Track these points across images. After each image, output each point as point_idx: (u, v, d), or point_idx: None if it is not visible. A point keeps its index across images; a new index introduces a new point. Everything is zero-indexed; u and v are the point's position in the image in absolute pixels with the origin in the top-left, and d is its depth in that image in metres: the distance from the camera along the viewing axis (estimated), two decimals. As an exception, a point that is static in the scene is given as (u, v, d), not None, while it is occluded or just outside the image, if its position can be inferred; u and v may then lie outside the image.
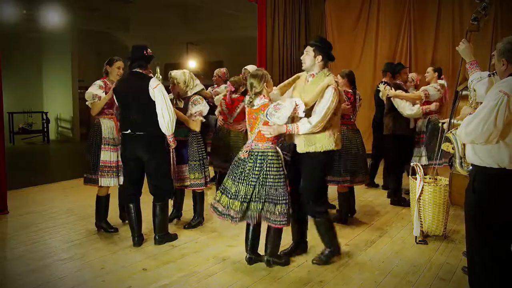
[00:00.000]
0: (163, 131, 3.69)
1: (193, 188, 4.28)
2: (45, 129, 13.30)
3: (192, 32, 12.70)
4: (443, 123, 3.76)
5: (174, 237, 4.01)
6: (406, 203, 4.94)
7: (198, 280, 3.16)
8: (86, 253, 3.69)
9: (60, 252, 3.71)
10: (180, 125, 4.05)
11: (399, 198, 5.19)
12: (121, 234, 4.14)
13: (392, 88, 5.05)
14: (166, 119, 3.63)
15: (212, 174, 5.04)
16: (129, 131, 3.72)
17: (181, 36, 13.04)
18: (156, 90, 3.62)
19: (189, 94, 4.20)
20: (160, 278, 3.20)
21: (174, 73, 4.20)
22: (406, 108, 4.92)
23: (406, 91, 5.24)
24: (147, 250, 3.75)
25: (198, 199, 4.40)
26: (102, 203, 4.22)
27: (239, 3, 9.81)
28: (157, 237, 3.87)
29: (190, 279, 3.19)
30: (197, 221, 4.41)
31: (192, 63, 13.44)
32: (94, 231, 4.25)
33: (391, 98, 5.01)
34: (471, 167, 2.63)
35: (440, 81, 5.17)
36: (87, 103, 4.18)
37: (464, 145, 2.88)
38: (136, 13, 12.23)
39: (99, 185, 4.09)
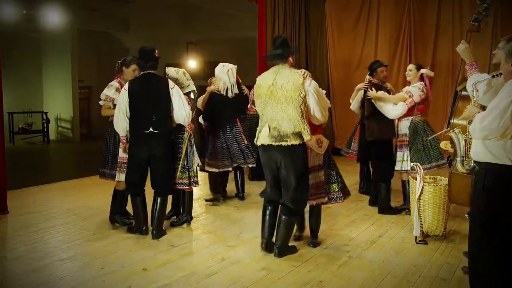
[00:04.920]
0: (182, 123, 4.09)
1: (180, 187, 4.33)
2: (45, 129, 13.30)
3: (192, 32, 12.70)
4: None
5: (164, 232, 4.16)
6: (395, 211, 4.86)
7: (198, 280, 3.16)
8: (86, 253, 3.69)
9: (60, 252, 3.71)
10: None
11: (388, 206, 4.89)
12: (121, 235, 4.14)
13: (373, 88, 4.72)
14: (183, 115, 4.00)
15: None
16: (150, 130, 3.91)
17: (181, 36, 13.04)
18: (174, 90, 3.99)
19: None
20: (160, 278, 3.20)
21: (168, 69, 4.40)
22: (390, 110, 4.63)
23: (388, 91, 4.84)
24: (147, 250, 3.75)
25: (187, 198, 4.45)
26: (119, 196, 4.35)
27: (239, 3, 9.80)
28: (154, 232, 4.03)
29: (190, 279, 3.19)
30: (184, 218, 4.47)
31: (192, 63, 13.44)
32: (94, 231, 4.26)
33: (372, 100, 4.71)
34: (472, 165, 2.62)
35: (420, 85, 4.68)
36: (99, 102, 4.31)
37: (465, 143, 2.88)
38: (136, 13, 12.22)
39: (116, 179, 4.25)
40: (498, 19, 7.36)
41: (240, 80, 5.32)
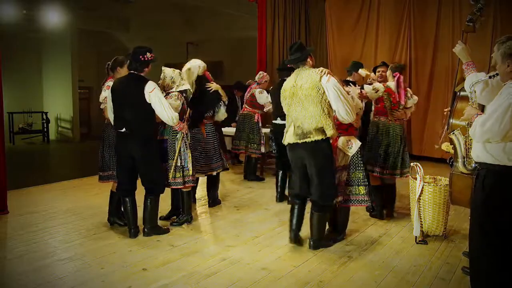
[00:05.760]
0: (169, 124, 4.01)
1: (175, 187, 4.31)
2: (45, 129, 13.27)
3: (192, 32, 12.68)
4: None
5: (164, 231, 4.16)
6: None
7: (198, 280, 3.16)
8: (86, 253, 3.69)
9: (60, 252, 3.71)
10: (165, 126, 4.23)
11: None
12: (121, 235, 4.14)
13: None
14: (165, 118, 3.89)
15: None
16: (124, 129, 3.88)
17: (181, 36, 13.02)
18: (152, 94, 3.83)
19: (174, 90, 4.31)
20: (160, 278, 3.20)
21: (165, 68, 4.41)
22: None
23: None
24: (147, 250, 3.76)
25: (185, 198, 4.44)
26: (115, 198, 4.34)
27: (239, 3, 9.81)
28: (145, 230, 4.06)
29: (190, 279, 3.19)
30: (184, 218, 4.46)
31: (192, 63, 13.41)
32: (94, 231, 4.26)
33: None
34: (473, 165, 2.62)
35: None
36: (101, 106, 4.31)
37: (466, 144, 2.89)
38: (136, 13, 12.21)
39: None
40: (497, 20, 7.34)
41: (211, 77, 4.93)
